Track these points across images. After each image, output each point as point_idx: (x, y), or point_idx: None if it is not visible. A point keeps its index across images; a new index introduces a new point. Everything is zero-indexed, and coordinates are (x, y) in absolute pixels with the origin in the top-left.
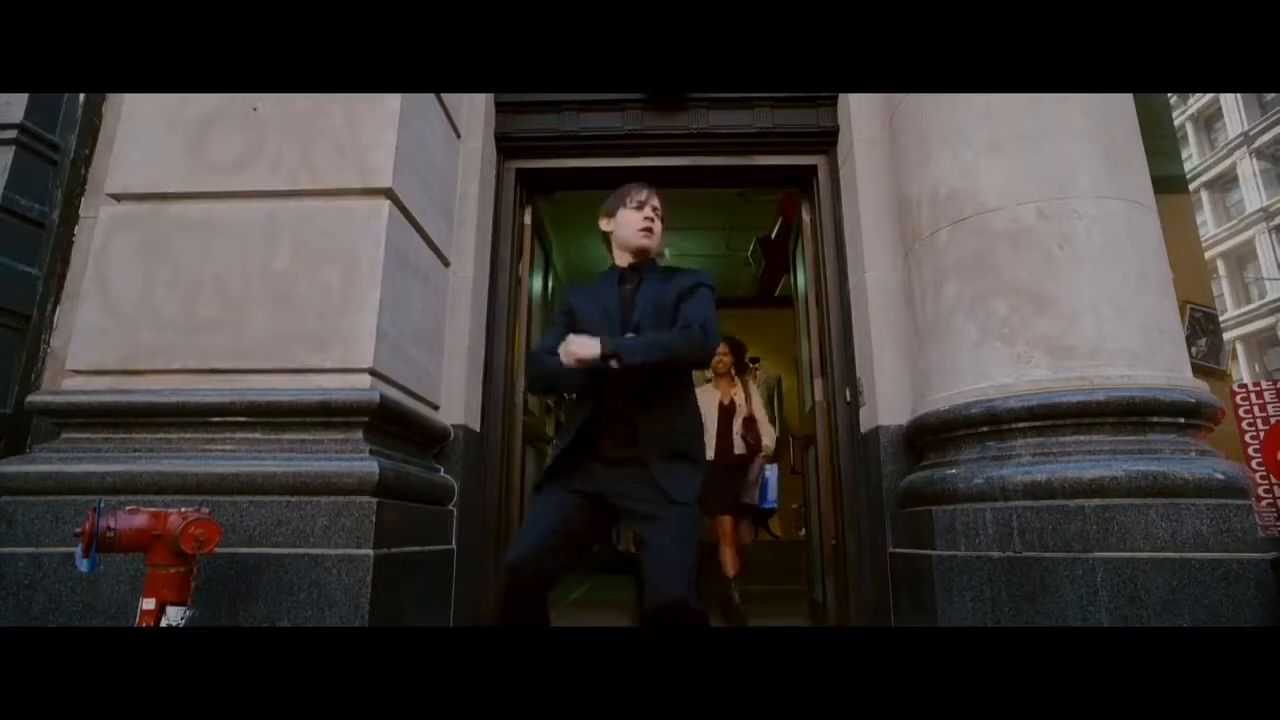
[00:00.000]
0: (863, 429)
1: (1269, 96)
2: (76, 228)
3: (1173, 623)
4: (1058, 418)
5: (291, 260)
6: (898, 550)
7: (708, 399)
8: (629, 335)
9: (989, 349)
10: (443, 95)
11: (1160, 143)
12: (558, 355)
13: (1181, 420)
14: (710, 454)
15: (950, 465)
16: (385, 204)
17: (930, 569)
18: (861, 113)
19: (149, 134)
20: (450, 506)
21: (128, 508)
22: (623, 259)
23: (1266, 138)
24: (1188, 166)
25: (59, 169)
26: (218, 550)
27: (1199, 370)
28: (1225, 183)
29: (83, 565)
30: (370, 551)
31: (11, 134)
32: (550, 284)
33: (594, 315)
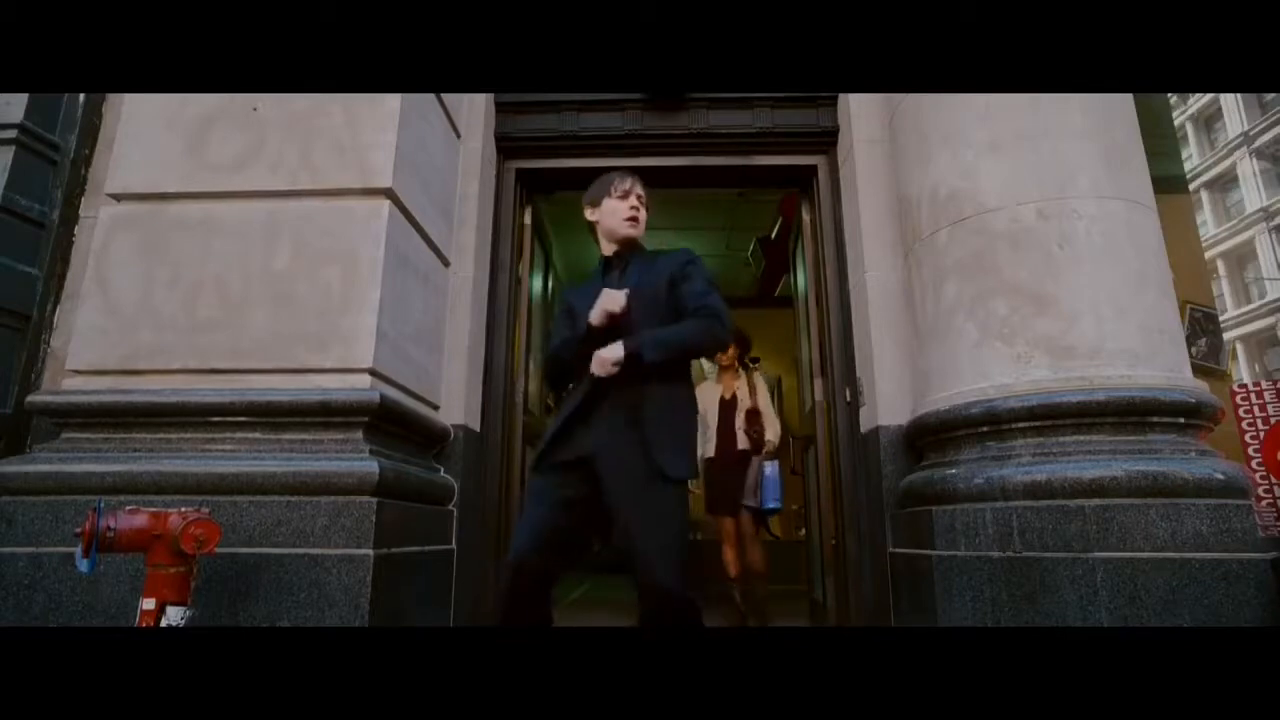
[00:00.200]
0: (863, 429)
1: (1269, 96)
2: (76, 228)
3: (1173, 623)
4: (1058, 418)
5: (291, 260)
6: (898, 550)
7: (710, 394)
8: (647, 332)
9: (989, 349)
10: (443, 95)
11: (1160, 143)
12: (564, 352)
13: (1181, 420)
14: (711, 450)
15: (950, 465)
16: (385, 204)
17: (930, 569)
18: (861, 113)
19: (149, 134)
20: (450, 506)
21: (128, 508)
22: (608, 248)
23: (1266, 138)
24: (1188, 166)
25: (59, 169)
26: (218, 550)
27: (1199, 370)
28: (1225, 183)
29: (83, 565)
30: (370, 551)
31: (11, 134)
32: (550, 284)
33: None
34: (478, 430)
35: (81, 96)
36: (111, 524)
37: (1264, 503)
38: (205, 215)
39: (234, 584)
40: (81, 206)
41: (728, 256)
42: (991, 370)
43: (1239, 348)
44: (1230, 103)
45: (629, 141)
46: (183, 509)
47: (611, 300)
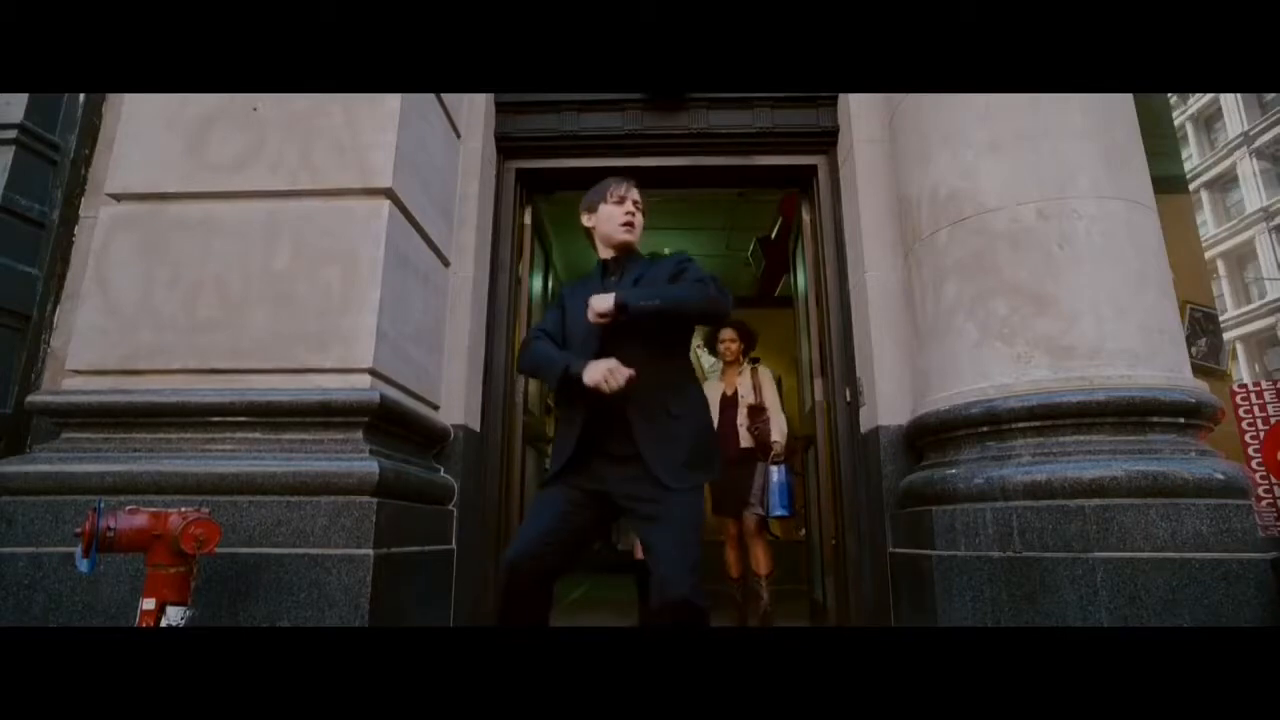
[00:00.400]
0: (863, 429)
1: (1269, 96)
2: (76, 228)
3: (1173, 623)
4: (1058, 418)
5: (291, 260)
6: (898, 550)
7: (712, 391)
8: (633, 286)
9: (989, 349)
10: (443, 95)
11: (1160, 143)
12: (542, 340)
13: (1181, 420)
14: None
15: (950, 465)
16: (385, 204)
17: (930, 569)
18: (861, 113)
19: (149, 134)
20: (450, 506)
21: (128, 508)
22: (605, 253)
23: (1266, 138)
24: (1188, 166)
25: (59, 169)
26: (218, 550)
27: (1199, 370)
28: (1225, 183)
29: (83, 565)
30: (370, 551)
31: (11, 134)
32: (550, 284)
33: (581, 310)
34: (478, 430)
35: (81, 96)
36: (111, 524)
37: (1264, 503)
38: (205, 215)
39: (234, 584)
40: (81, 206)
41: (728, 256)
42: (991, 370)
43: (1239, 348)
44: (1230, 103)
45: (629, 141)
46: (183, 509)
47: (600, 301)
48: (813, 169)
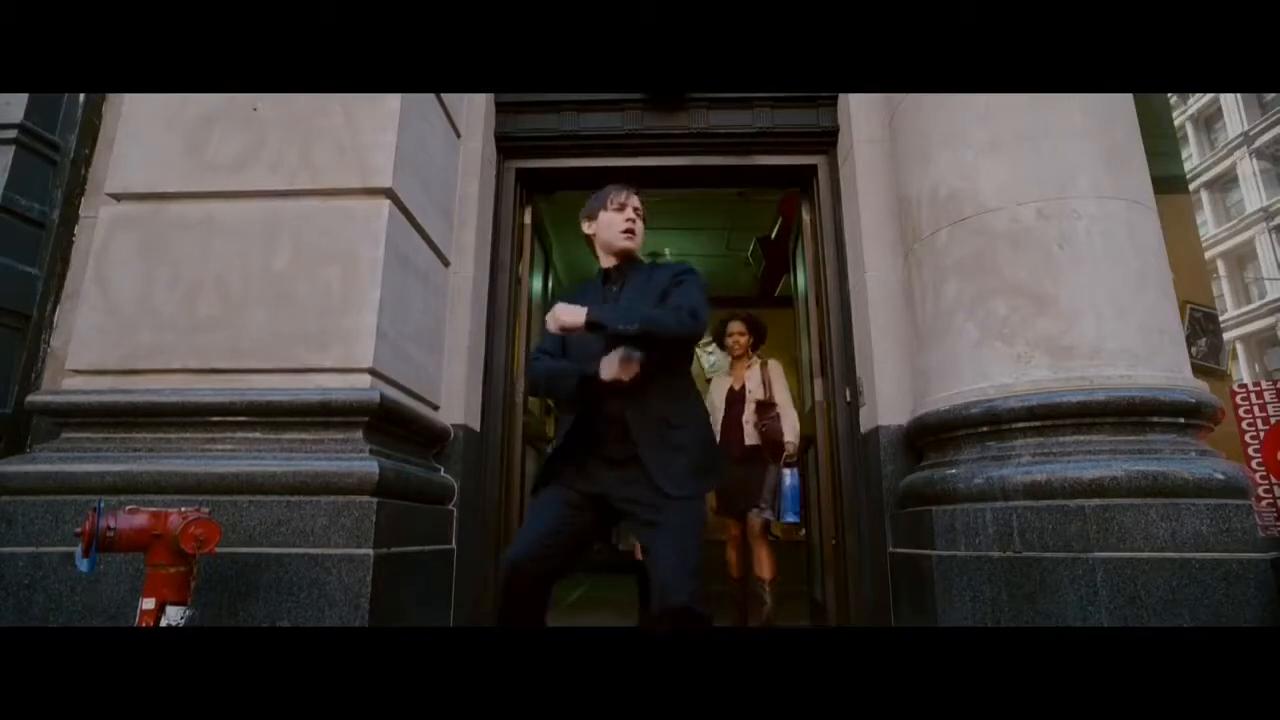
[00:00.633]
0: (863, 429)
1: (1269, 96)
2: (76, 228)
3: (1173, 623)
4: (1058, 418)
5: (291, 260)
6: (898, 550)
7: (719, 386)
8: (609, 306)
9: (989, 349)
10: (443, 95)
11: (1160, 143)
12: (544, 359)
13: (1181, 420)
14: None
15: (950, 465)
16: (385, 204)
17: (930, 569)
18: (861, 113)
19: (149, 134)
20: (450, 506)
21: (128, 508)
22: (607, 260)
23: (1266, 138)
24: (1188, 166)
25: (59, 169)
26: (218, 550)
27: (1199, 370)
28: (1225, 183)
29: (83, 565)
30: (370, 551)
31: (11, 134)
32: (550, 284)
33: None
34: (478, 430)
35: (81, 96)
36: (111, 524)
37: (1264, 503)
38: (205, 215)
39: (234, 584)
40: (81, 206)
41: (728, 256)
42: (991, 370)
43: (1239, 348)
44: (1230, 103)
45: (629, 141)
46: (183, 509)
47: (568, 313)
48: (813, 169)
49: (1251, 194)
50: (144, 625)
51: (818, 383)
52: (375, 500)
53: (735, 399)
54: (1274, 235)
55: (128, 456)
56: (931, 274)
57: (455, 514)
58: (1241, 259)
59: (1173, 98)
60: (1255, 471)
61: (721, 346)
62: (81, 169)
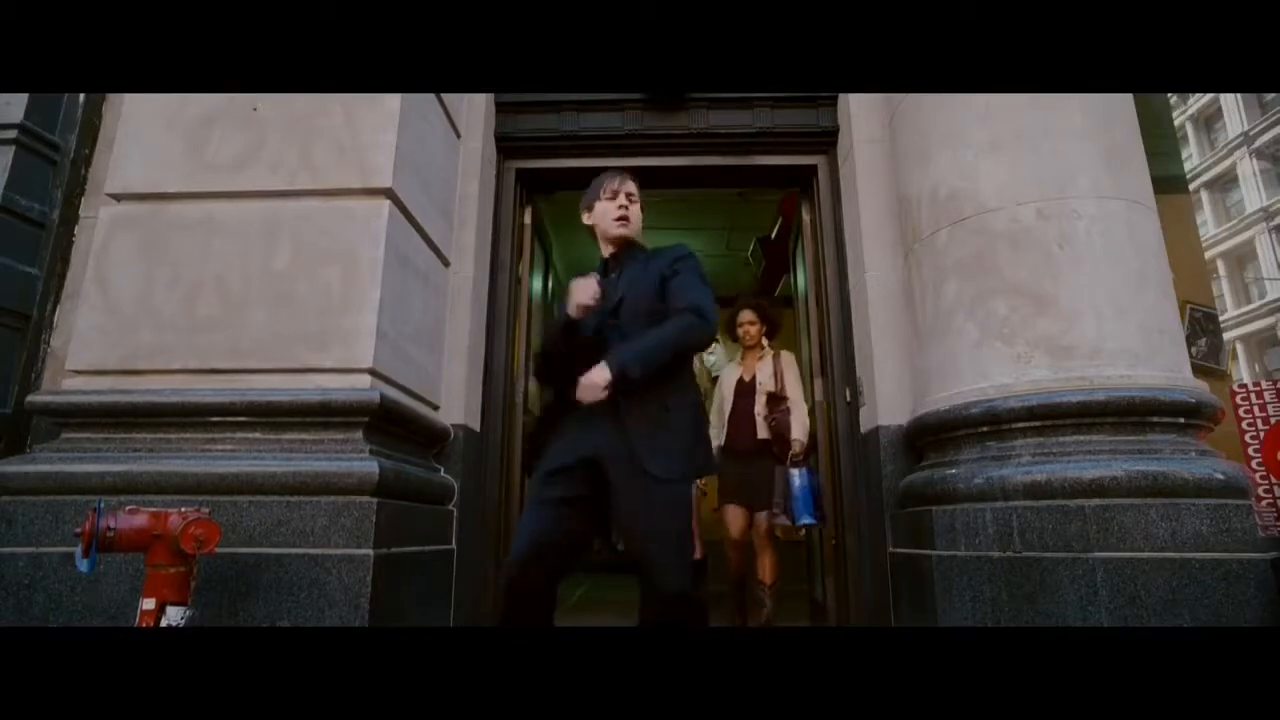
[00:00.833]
0: (863, 429)
1: (1269, 96)
2: (76, 228)
3: (1173, 623)
4: (1058, 418)
5: (291, 260)
6: (898, 550)
7: (729, 377)
8: (626, 347)
9: (989, 349)
10: (443, 95)
11: (1160, 143)
12: (549, 346)
13: (1181, 420)
14: (721, 439)
15: (950, 465)
16: (385, 204)
17: (930, 569)
18: (861, 113)
19: (149, 134)
20: (450, 506)
21: (128, 508)
22: (605, 249)
23: (1266, 138)
24: (1188, 166)
25: (59, 169)
26: (218, 550)
27: (1199, 370)
28: (1225, 183)
29: (83, 565)
30: (370, 551)
31: (11, 134)
32: (550, 284)
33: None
34: (478, 430)
35: (81, 96)
36: (111, 524)
37: (1264, 503)
38: (205, 215)
39: (234, 584)
40: (81, 206)
41: (728, 256)
42: (991, 370)
43: (1239, 348)
44: (1230, 103)
45: (629, 141)
46: (183, 509)
47: (582, 291)
48: (813, 169)
49: (1251, 194)
50: (144, 625)
51: (818, 383)
52: (375, 500)
53: (745, 390)
54: (1274, 235)
55: (128, 457)
56: (931, 274)
57: (455, 514)
58: (1241, 259)
59: (1173, 98)
60: (1255, 471)
61: (733, 338)
62: (81, 169)
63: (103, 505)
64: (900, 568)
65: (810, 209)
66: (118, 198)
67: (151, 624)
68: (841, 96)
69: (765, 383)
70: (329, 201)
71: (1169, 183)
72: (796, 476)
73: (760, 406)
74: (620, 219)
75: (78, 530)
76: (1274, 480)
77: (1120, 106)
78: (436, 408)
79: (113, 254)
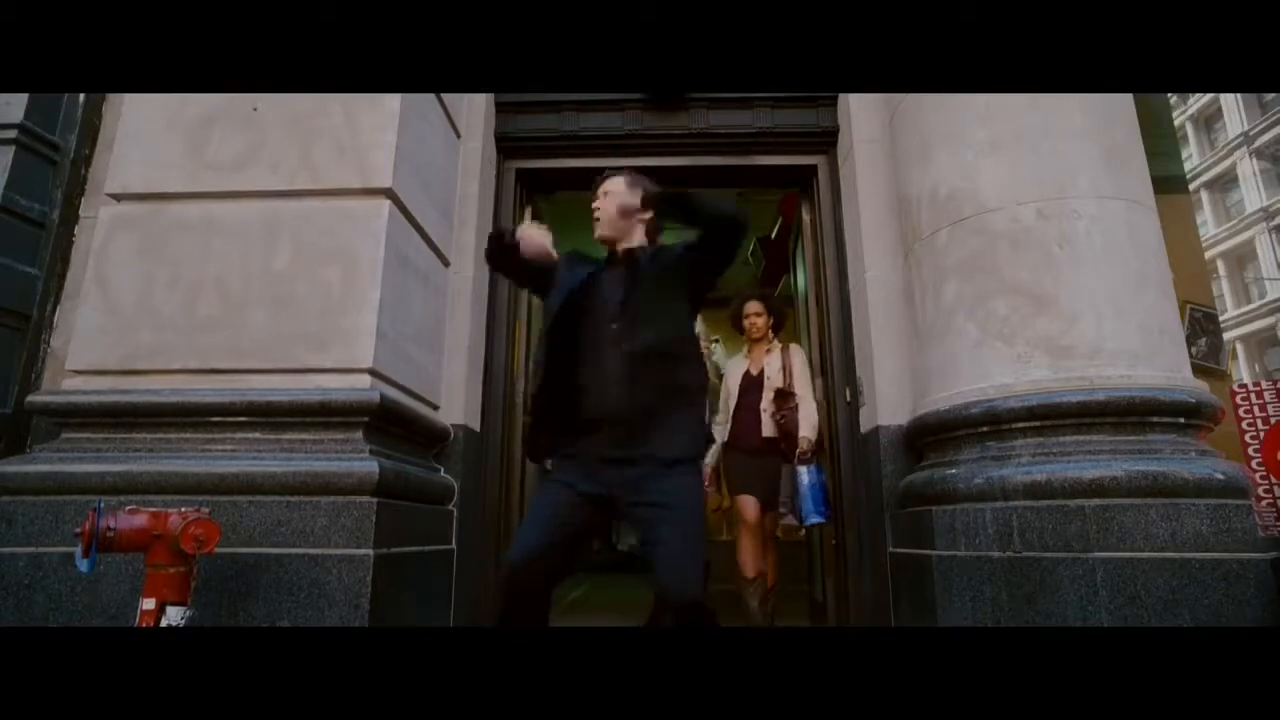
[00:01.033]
0: (863, 429)
1: (1269, 96)
2: (76, 228)
3: (1173, 623)
4: (1058, 418)
5: (291, 260)
6: (898, 550)
7: (735, 370)
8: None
9: (989, 349)
10: (443, 95)
11: (1160, 143)
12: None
13: (1181, 420)
14: (725, 435)
15: (950, 465)
16: (385, 204)
17: (930, 569)
18: (861, 113)
19: (149, 134)
20: (450, 506)
21: (128, 508)
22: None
23: (1266, 138)
24: (1188, 166)
25: (59, 169)
26: (218, 550)
27: (1199, 370)
28: (1225, 183)
29: (83, 565)
30: (370, 551)
31: (11, 134)
32: None
33: (569, 284)
34: (478, 430)
35: (81, 96)
36: (111, 524)
37: (1264, 503)
38: (205, 215)
39: (234, 584)
40: (81, 206)
41: None
42: (991, 370)
43: (1239, 348)
44: (1230, 103)
45: (629, 141)
46: (183, 509)
47: (532, 240)
48: (813, 169)
49: (1251, 194)
50: (144, 625)
51: (818, 383)
52: (375, 500)
53: (752, 385)
54: (1274, 235)
55: (128, 457)
56: (931, 274)
57: (455, 514)
58: (1241, 259)
59: (1173, 98)
60: (1255, 471)
61: (739, 330)
62: (81, 169)
63: (103, 505)
64: (900, 568)
65: (810, 209)
66: (118, 198)
67: (151, 624)
68: (841, 96)
69: (773, 378)
70: (329, 201)
71: (1169, 183)
72: (805, 474)
73: (767, 403)
74: (596, 220)
75: (78, 530)
76: (1274, 480)
77: (1120, 106)
78: (436, 408)
79: (113, 254)
